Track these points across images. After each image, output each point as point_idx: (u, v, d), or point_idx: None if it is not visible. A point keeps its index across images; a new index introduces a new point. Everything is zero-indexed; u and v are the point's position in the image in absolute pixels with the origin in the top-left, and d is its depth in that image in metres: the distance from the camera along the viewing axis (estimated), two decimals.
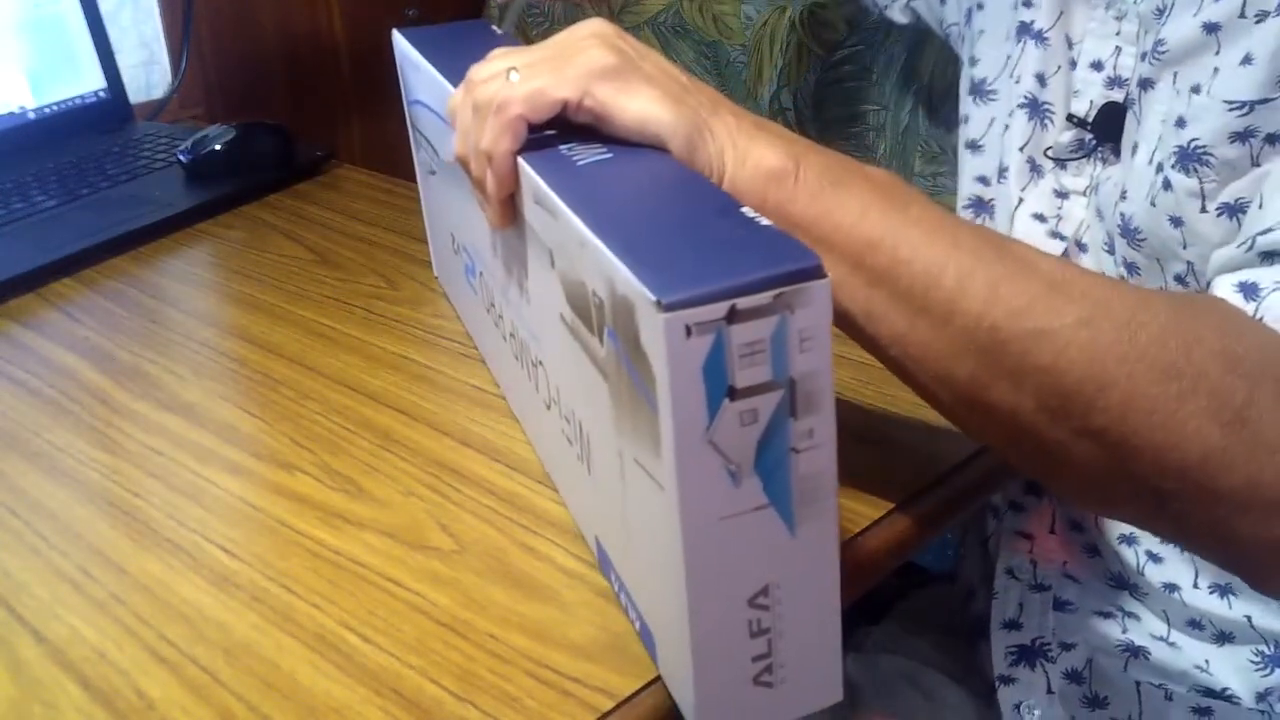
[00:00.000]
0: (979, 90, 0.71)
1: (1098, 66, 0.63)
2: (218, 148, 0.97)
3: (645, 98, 0.46)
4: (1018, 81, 0.67)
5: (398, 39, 0.70)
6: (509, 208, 0.49)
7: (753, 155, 0.46)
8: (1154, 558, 0.63)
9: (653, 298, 0.34)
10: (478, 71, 0.50)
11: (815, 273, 0.35)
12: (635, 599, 0.45)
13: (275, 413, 0.64)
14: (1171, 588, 0.62)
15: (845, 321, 0.47)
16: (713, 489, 0.36)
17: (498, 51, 0.50)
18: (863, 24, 1.12)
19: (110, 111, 1.14)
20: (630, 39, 0.49)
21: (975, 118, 0.71)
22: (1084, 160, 0.64)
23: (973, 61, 0.72)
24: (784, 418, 0.36)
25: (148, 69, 1.32)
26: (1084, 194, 0.65)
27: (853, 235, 0.45)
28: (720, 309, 0.34)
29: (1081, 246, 0.64)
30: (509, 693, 0.43)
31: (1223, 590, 0.61)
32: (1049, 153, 0.65)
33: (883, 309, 0.45)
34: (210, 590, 0.50)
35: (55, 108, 1.10)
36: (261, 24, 1.28)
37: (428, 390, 0.65)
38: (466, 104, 0.50)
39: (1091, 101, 0.63)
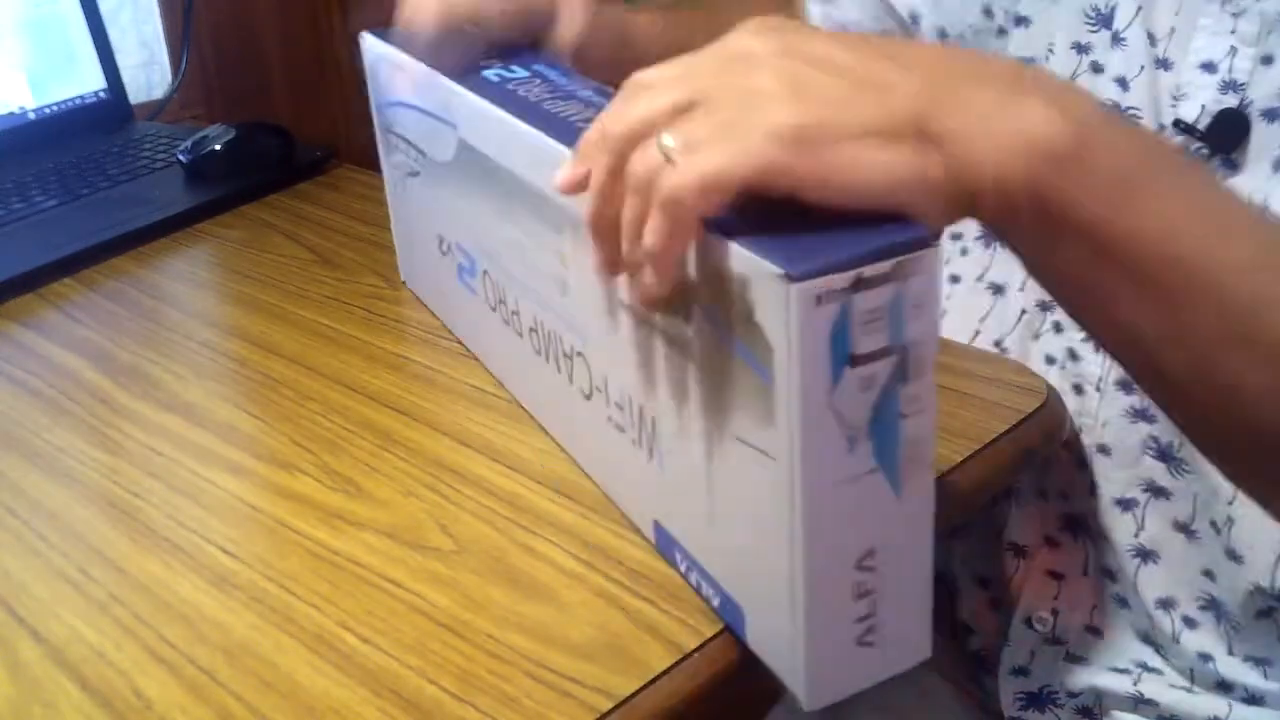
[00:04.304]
0: None
1: (1210, 68, 0.57)
2: (218, 148, 0.97)
3: (845, 154, 0.36)
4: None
5: (368, 40, 0.69)
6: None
7: (1017, 132, 0.37)
8: (1189, 623, 0.61)
9: (780, 271, 0.35)
10: (616, 123, 0.39)
11: (927, 241, 0.36)
12: (715, 575, 0.45)
13: (275, 413, 0.64)
14: (1206, 657, 0.61)
15: (1127, 339, 0.41)
16: (832, 455, 0.37)
17: (641, 85, 0.40)
18: None
19: (110, 111, 1.14)
20: (799, 41, 0.38)
21: None
22: None
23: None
24: (896, 382, 0.37)
25: (148, 69, 1.32)
26: None
27: (1157, 250, 0.38)
28: (847, 278, 0.35)
29: None
30: (508, 693, 0.43)
31: (1258, 661, 0.60)
32: None
33: (1184, 333, 0.39)
34: (209, 590, 0.50)
35: (55, 108, 1.10)
36: (261, 24, 1.28)
37: (427, 390, 0.65)
38: (607, 171, 0.40)
39: (1203, 106, 0.57)
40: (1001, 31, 0.71)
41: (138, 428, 0.63)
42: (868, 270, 0.35)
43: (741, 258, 0.37)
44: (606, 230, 0.41)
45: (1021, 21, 0.68)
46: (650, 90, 0.39)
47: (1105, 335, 0.43)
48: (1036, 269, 0.42)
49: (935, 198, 0.37)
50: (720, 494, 0.43)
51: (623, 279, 0.45)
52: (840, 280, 0.35)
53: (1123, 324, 0.40)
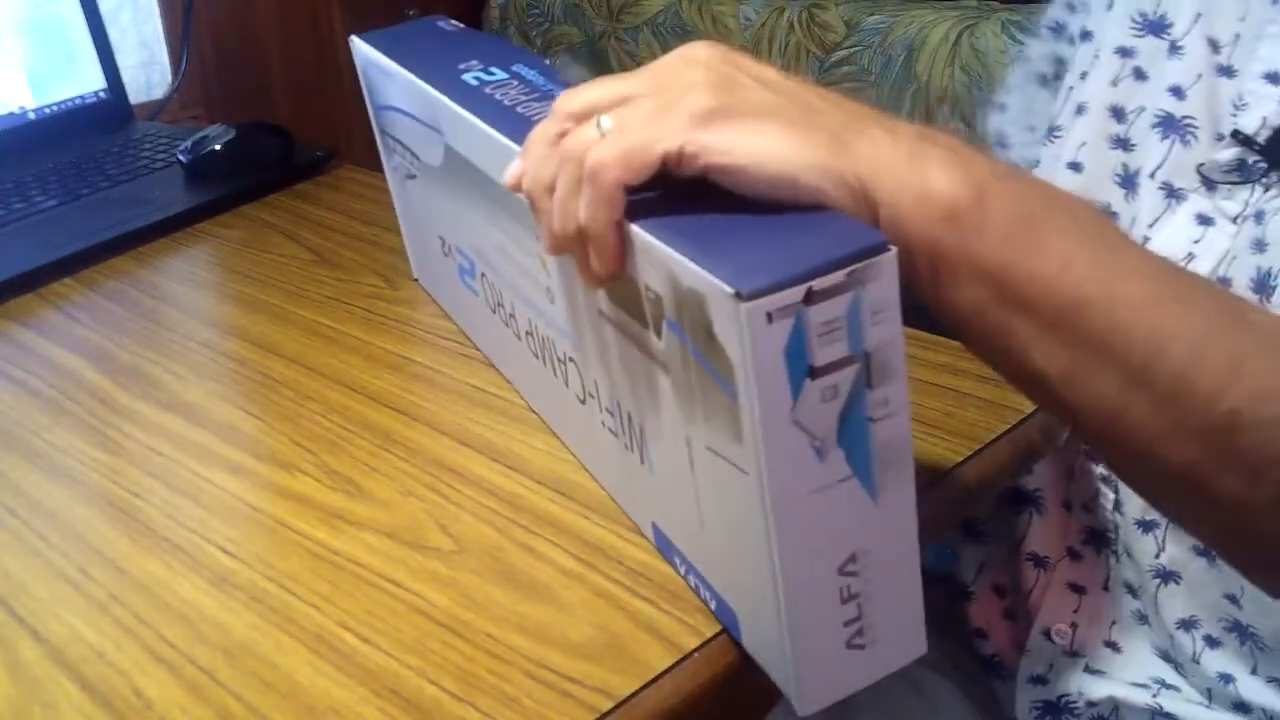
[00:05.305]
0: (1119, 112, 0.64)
1: (1275, 79, 0.55)
2: (218, 148, 0.97)
3: (756, 134, 0.38)
4: (1138, 113, 0.61)
5: (358, 44, 0.69)
6: (610, 278, 0.42)
7: (919, 183, 0.39)
8: (1212, 642, 0.60)
9: (730, 289, 0.34)
10: (567, 102, 0.42)
11: (882, 247, 0.36)
12: (710, 580, 0.45)
13: (275, 413, 0.64)
14: (1226, 678, 0.60)
15: (1035, 383, 0.41)
16: (800, 467, 0.37)
17: (600, 79, 0.44)
18: (861, 25, 1.12)
19: (110, 111, 1.14)
20: (741, 60, 0.41)
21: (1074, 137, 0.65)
22: (1240, 184, 0.57)
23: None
24: (861, 390, 0.37)
25: (148, 69, 1.32)
26: (1234, 221, 0.57)
27: (1055, 289, 0.39)
28: (797, 293, 0.35)
29: (1224, 281, 0.56)
30: (508, 693, 0.43)
31: None
32: (1202, 169, 0.58)
33: (1088, 375, 0.39)
34: (209, 590, 0.50)
35: (55, 108, 1.10)
36: (261, 24, 1.28)
37: (427, 390, 0.65)
38: (549, 141, 0.42)
39: (1264, 118, 0.55)
40: (1066, 49, 0.70)
41: (138, 428, 0.63)
42: (818, 283, 0.35)
43: (695, 274, 0.36)
44: (540, 197, 0.43)
45: (1086, 36, 0.67)
46: (605, 84, 0.42)
47: (1013, 377, 0.43)
48: (938, 308, 0.42)
49: (841, 189, 0.38)
50: (705, 502, 0.43)
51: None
52: (791, 295, 0.34)
53: (1028, 366, 0.41)
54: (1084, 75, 0.66)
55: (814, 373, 0.36)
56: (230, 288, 0.81)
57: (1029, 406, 0.59)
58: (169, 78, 1.32)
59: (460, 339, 0.70)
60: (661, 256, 0.38)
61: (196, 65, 1.30)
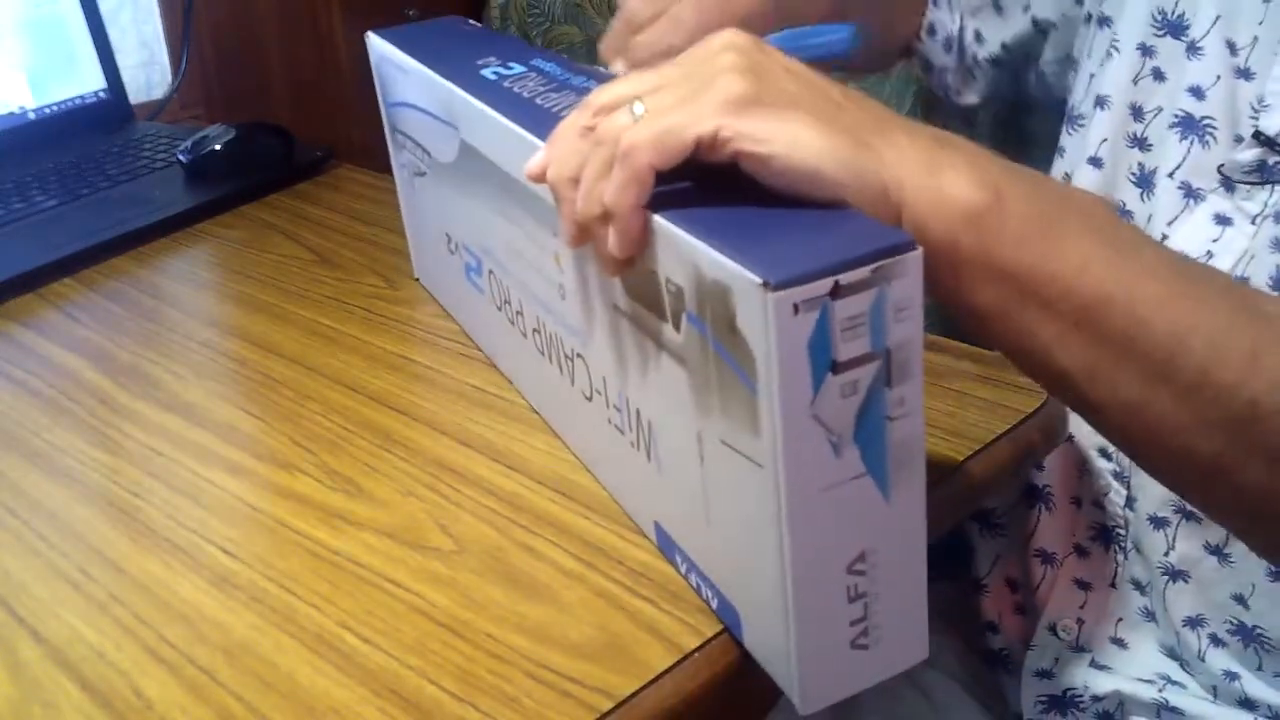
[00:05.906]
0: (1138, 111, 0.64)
1: None
2: (218, 148, 0.97)
3: (788, 124, 0.39)
4: (1156, 113, 0.62)
5: (374, 40, 0.69)
6: (629, 263, 0.43)
7: (938, 187, 0.40)
8: (1217, 641, 0.60)
9: (758, 279, 0.35)
10: (599, 96, 0.43)
11: (909, 245, 0.36)
12: (712, 577, 0.45)
13: (275, 413, 0.64)
14: (1231, 675, 0.60)
15: (1058, 381, 0.42)
16: (816, 461, 0.37)
17: (625, 79, 0.44)
18: None
19: (110, 111, 1.14)
20: (771, 50, 0.42)
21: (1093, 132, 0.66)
22: (1260, 185, 0.58)
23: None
24: (880, 387, 0.37)
25: (148, 69, 1.32)
26: (1253, 221, 0.58)
27: (1075, 289, 0.40)
28: (824, 285, 0.35)
29: (1242, 280, 0.57)
30: (508, 693, 0.43)
31: None
32: (1223, 169, 0.59)
33: (1112, 372, 0.40)
34: (209, 590, 0.50)
35: (55, 108, 1.10)
36: (261, 24, 1.28)
37: (427, 390, 0.65)
38: (578, 132, 0.43)
39: None
40: (1088, 18, 0.70)
41: (138, 428, 0.63)
42: (845, 277, 0.35)
43: (721, 265, 0.37)
44: (565, 186, 0.43)
45: (1104, 22, 0.67)
46: (635, 77, 0.43)
47: (1037, 376, 0.44)
48: (959, 310, 0.42)
49: (864, 188, 0.39)
50: (714, 498, 0.43)
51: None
52: (817, 288, 0.35)
53: (1051, 365, 0.41)
54: (1102, 63, 0.66)
55: (836, 367, 0.36)
56: (230, 288, 0.81)
57: (1029, 407, 0.59)
58: (169, 78, 1.32)
59: (460, 339, 0.70)
60: (687, 248, 0.38)
61: (196, 65, 1.30)
